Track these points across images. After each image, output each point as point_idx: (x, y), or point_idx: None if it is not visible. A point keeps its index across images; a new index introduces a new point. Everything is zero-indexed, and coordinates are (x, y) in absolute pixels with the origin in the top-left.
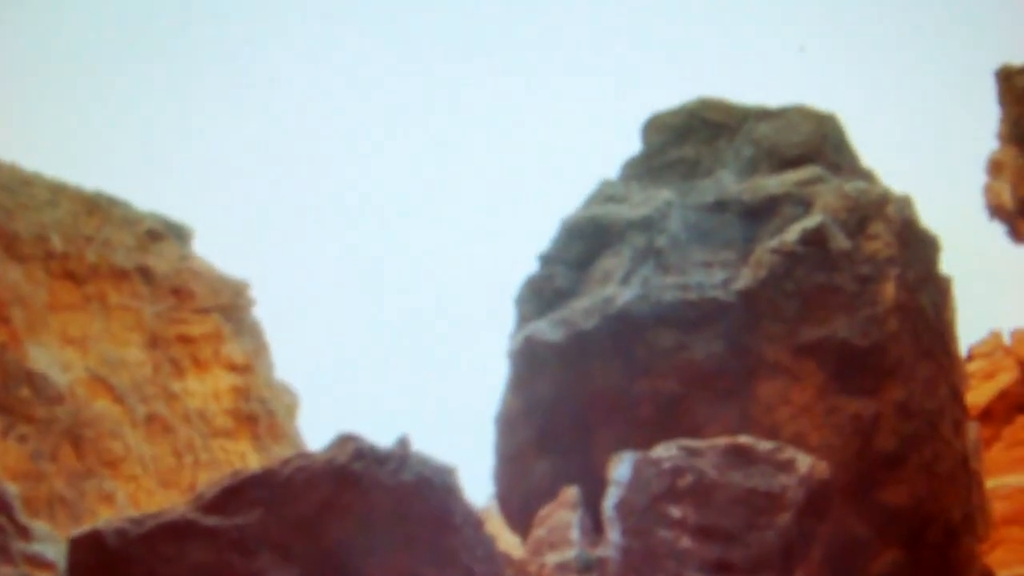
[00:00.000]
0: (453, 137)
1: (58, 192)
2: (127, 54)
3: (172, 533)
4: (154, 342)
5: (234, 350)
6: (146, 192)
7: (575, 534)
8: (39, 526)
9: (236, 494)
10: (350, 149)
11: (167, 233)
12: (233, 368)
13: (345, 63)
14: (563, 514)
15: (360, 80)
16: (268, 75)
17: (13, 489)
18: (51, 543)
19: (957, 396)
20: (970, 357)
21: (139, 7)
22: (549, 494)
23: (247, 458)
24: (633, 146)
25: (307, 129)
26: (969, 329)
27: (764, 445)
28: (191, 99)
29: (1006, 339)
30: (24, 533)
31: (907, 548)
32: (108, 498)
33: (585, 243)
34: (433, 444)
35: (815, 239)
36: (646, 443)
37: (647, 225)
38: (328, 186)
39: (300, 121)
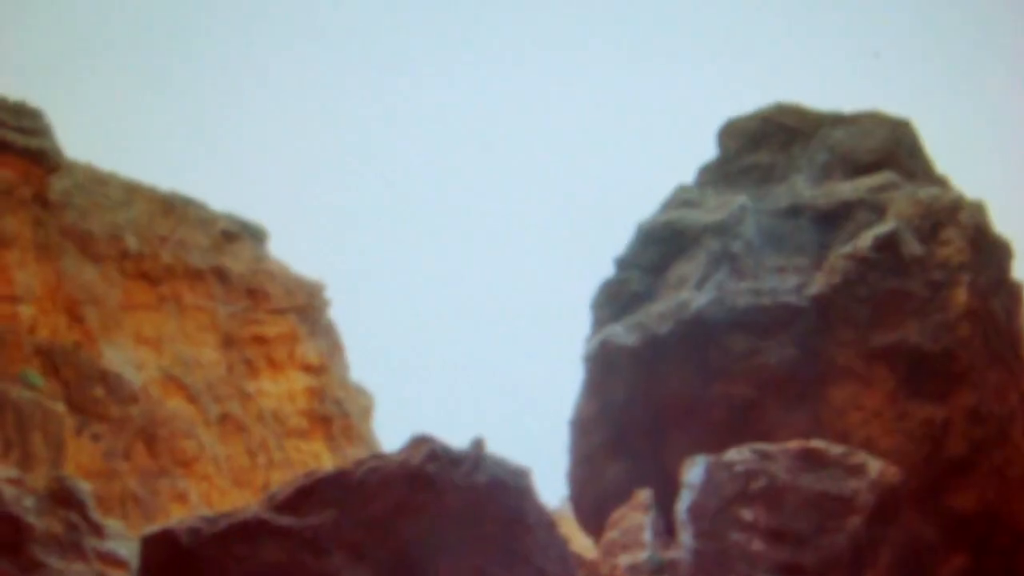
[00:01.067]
0: (532, 138)
1: (133, 192)
2: (204, 51)
3: (245, 532)
4: (229, 342)
5: (309, 351)
6: (221, 192)
7: (647, 536)
8: (112, 524)
9: (309, 494)
10: (426, 150)
11: (242, 233)
12: (308, 369)
13: (416, 66)
14: (636, 516)
15: (433, 82)
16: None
17: (86, 487)
18: (124, 541)
19: None
20: None
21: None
22: (622, 496)
23: (321, 459)
24: (710, 151)
25: (380, 129)
26: None
27: (835, 449)
28: (268, 98)
29: None
30: (97, 531)
31: (975, 554)
32: (181, 497)
33: (661, 247)
34: (508, 446)
35: (888, 245)
36: (719, 447)
37: (722, 230)
38: (405, 186)
39: (373, 121)
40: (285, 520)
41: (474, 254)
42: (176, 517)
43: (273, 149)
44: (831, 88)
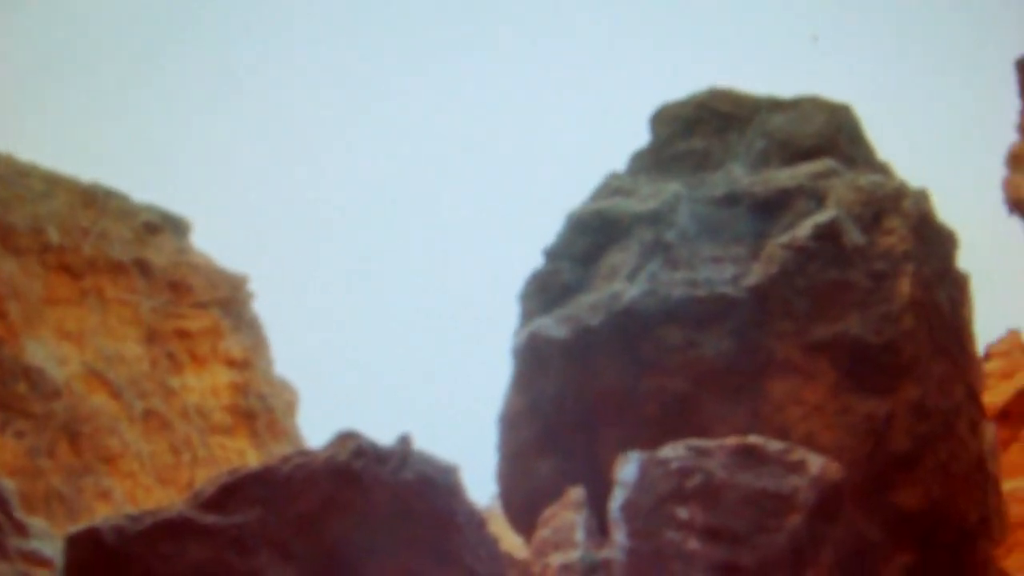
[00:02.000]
0: (457, 131)
1: (54, 183)
2: (125, 44)
3: (170, 531)
4: (151, 337)
5: (233, 345)
6: (144, 184)
7: (580, 535)
8: (36, 523)
9: (235, 492)
10: (352, 142)
11: (165, 226)
12: (232, 364)
13: (349, 55)
14: (567, 515)
15: (364, 73)
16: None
17: (10, 485)
18: (48, 540)
19: (973, 396)
20: (987, 356)
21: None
22: (553, 494)
23: (246, 455)
24: (641, 139)
25: (309, 122)
26: (987, 327)
27: (774, 445)
28: (190, 90)
29: None
30: (21, 529)
31: (920, 551)
32: (105, 495)
33: (591, 237)
34: (435, 442)
35: (828, 234)
36: (653, 443)
37: (655, 219)
38: (330, 179)
39: (300, 114)
40: (210, 518)
41: (402, 247)
42: (101, 515)
43: (197, 139)
44: (768, 74)
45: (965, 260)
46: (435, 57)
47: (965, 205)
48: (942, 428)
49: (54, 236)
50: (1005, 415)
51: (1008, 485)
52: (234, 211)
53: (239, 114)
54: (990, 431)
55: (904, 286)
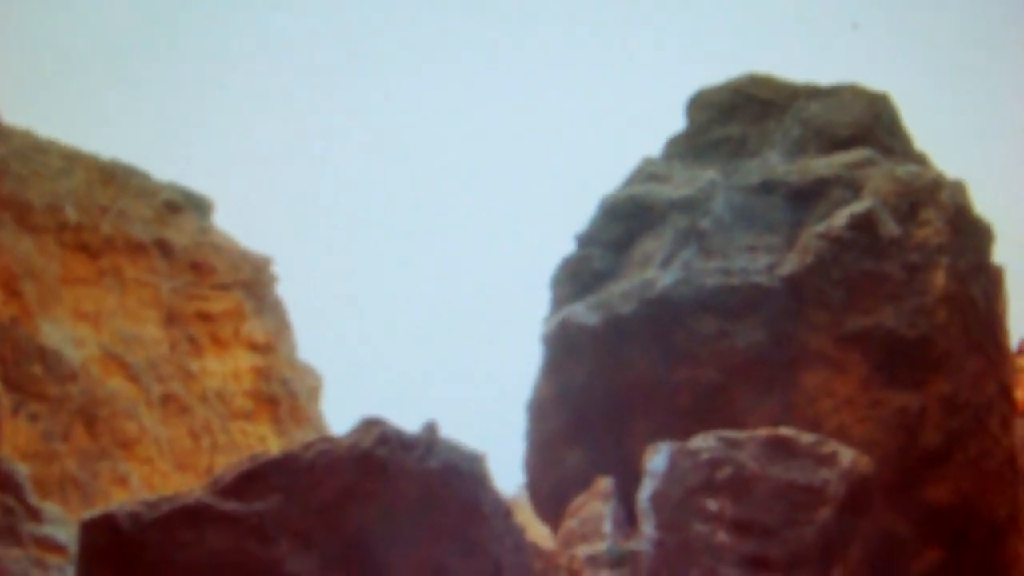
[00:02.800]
0: (488, 116)
1: (73, 160)
2: (148, 22)
3: (188, 518)
4: (171, 319)
5: (255, 329)
6: (166, 162)
7: (607, 526)
8: (50, 508)
9: (255, 479)
10: (381, 126)
11: (186, 205)
12: (254, 347)
13: (381, 37)
14: (595, 505)
15: (395, 57)
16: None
17: (23, 469)
18: (62, 525)
19: (1006, 391)
20: (1021, 351)
21: None
22: (581, 484)
23: (267, 441)
24: (678, 124)
25: (339, 102)
26: (1021, 322)
27: (806, 437)
28: (217, 65)
29: None
30: (34, 515)
31: (950, 548)
32: (122, 480)
33: (625, 224)
34: (462, 430)
35: (864, 224)
36: (684, 433)
37: (690, 206)
38: (359, 162)
39: (331, 94)
40: (229, 505)
41: (430, 231)
42: (117, 501)
43: (222, 115)
44: (807, 60)
45: (1001, 253)
46: (467, 42)
47: (1003, 196)
48: (973, 423)
49: (72, 214)
50: None
51: None
52: (260, 191)
53: (266, 93)
54: (1021, 427)
55: (938, 279)
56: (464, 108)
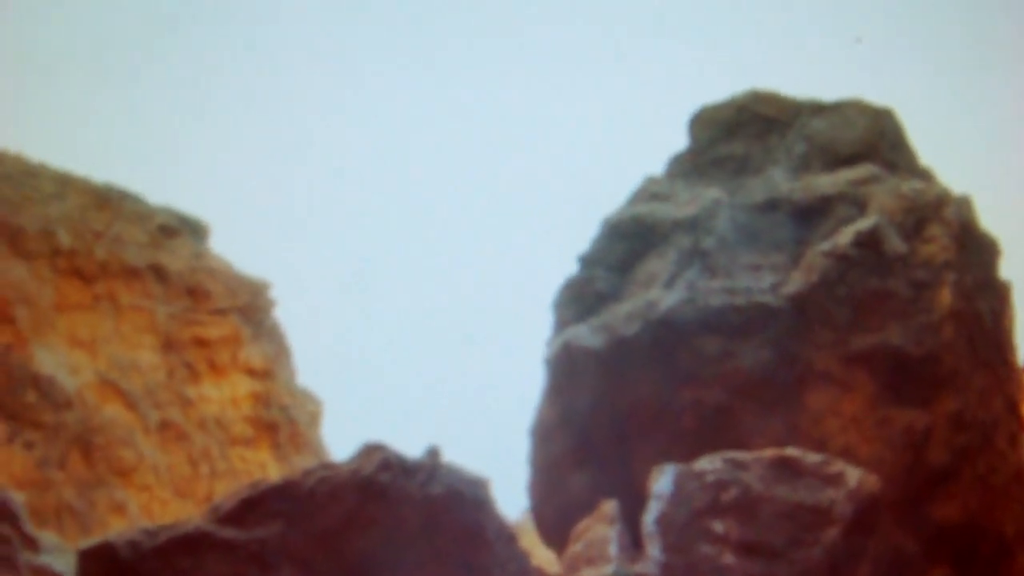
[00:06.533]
0: (486, 132)
1: (65, 184)
2: (140, 39)
3: (187, 546)
4: (168, 345)
5: (253, 354)
6: (160, 185)
7: (613, 550)
8: (47, 537)
9: (255, 506)
10: (378, 145)
11: (182, 229)
12: (252, 373)
13: (366, 58)
14: (600, 529)
15: (386, 77)
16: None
17: (19, 498)
18: (59, 554)
19: (1013, 408)
20: None
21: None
22: (586, 508)
23: (267, 468)
24: (680, 142)
25: (333, 124)
26: None
27: (812, 458)
28: (211, 88)
29: None
30: (31, 544)
31: (958, 565)
32: (119, 508)
33: (628, 244)
34: (465, 455)
35: (869, 242)
36: (689, 455)
37: (693, 225)
38: (356, 185)
39: (326, 115)
40: (229, 533)
41: (430, 255)
42: (115, 530)
43: (217, 139)
44: (811, 76)
45: (1007, 269)
46: (456, 57)
47: (1009, 212)
48: (981, 441)
49: (65, 239)
50: None
51: None
52: (256, 213)
53: (260, 115)
54: None
55: (945, 296)
56: (469, 122)
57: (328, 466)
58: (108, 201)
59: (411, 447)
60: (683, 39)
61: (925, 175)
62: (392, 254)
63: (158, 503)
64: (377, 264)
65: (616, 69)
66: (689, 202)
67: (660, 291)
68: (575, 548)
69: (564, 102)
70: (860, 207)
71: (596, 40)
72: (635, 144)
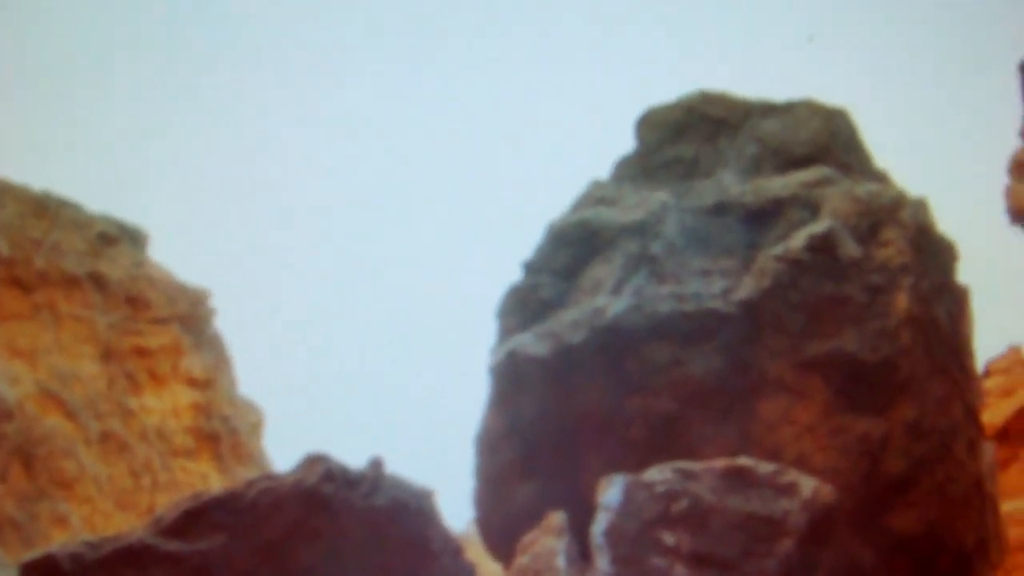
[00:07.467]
0: (435, 137)
1: (3, 192)
2: (83, 48)
3: (130, 558)
4: (108, 355)
5: (194, 364)
6: (98, 193)
7: (561, 562)
8: None
9: (198, 517)
10: (318, 150)
11: (121, 237)
12: (193, 383)
13: (325, 55)
14: (548, 541)
15: (335, 77)
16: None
17: None
18: (2, 569)
19: (972, 414)
20: (987, 373)
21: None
22: (533, 519)
23: (209, 479)
24: (627, 144)
25: (276, 126)
26: (987, 343)
27: (764, 467)
28: (150, 93)
29: None
30: None
31: None
32: (62, 521)
33: (573, 250)
34: (408, 466)
35: (823, 246)
36: (638, 465)
37: (641, 230)
38: (295, 190)
39: (269, 118)
40: (172, 545)
41: (374, 259)
42: (57, 542)
43: (155, 145)
44: (761, 76)
45: (965, 273)
46: (413, 62)
47: (965, 214)
48: (939, 449)
49: (3, 248)
50: (1004, 434)
51: (1007, 506)
52: (195, 222)
53: (198, 116)
54: (989, 451)
55: (901, 301)
56: (417, 126)
57: (271, 477)
58: (46, 209)
59: (354, 457)
60: (630, 40)
61: (880, 177)
62: (335, 263)
63: (100, 515)
64: (324, 269)
65: (562, 72)
66: (636, 206)
67: (607, 298)
68: (522, 560)
69: (512, 107)
70: (813, 210)
71: (541, 45)
72: (582, 147)
